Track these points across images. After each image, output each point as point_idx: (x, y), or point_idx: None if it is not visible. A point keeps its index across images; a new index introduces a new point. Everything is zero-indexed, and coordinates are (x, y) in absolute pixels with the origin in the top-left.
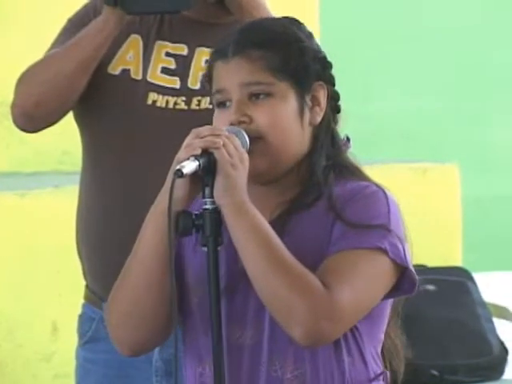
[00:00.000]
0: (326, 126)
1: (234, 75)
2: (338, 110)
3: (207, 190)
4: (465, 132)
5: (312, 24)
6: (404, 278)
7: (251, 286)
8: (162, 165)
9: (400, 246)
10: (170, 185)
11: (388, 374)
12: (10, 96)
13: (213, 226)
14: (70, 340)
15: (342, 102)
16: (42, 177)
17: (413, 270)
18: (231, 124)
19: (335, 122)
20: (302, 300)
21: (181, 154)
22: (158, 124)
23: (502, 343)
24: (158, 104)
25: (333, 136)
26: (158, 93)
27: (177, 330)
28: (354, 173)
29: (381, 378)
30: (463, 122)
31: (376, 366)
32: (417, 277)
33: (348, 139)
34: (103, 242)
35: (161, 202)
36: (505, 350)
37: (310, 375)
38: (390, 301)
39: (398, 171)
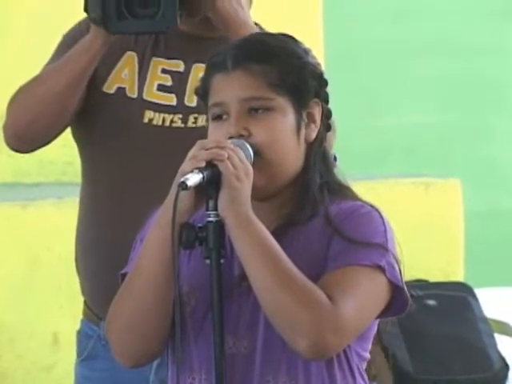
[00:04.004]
0: (319, 143)
1: (234, 88)
2: (329, 128)
3: (211, 203)
4: (468, 147)
5: (316, 39)
6: (396, 298)
7: (245, 295)
8: (158, 183)
9: (396, 266)
10: (174, 197)
11: None
12: None
13: (216, 239)
14: (70, 351)
15: (346, 118)
16: (44, 188)
17: (406, 290)
18: (230, 137)
19: (326, 139)
20: (308, 312)
21: (185, 165)
22: (154, 142)
23: (503, 359)
24: (155, 122)
25: (324, 153)
26: (155, 110)
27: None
28: (346, 192)
29: None
30: (466, 138)
31: (362, 381)
32: (409, 298)
33: (335, 157)
34: (98, 261)
35: (165, 213)
36: (506, 366)
37: None
38: (377, 321)
39: (401, 186)
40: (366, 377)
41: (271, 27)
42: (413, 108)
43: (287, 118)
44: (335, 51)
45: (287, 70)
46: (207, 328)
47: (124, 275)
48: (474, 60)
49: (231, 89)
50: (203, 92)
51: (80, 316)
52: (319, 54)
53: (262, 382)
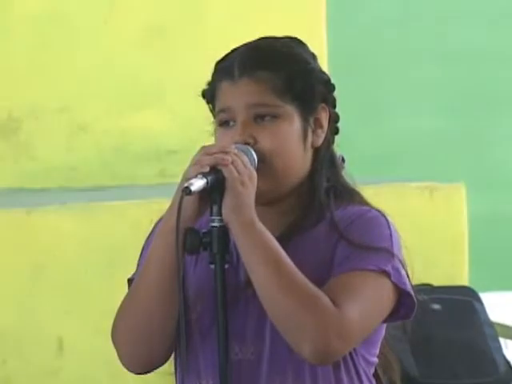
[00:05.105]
0: (326, 147)
1: (240, 96)
2: (336, 131)
3: (215, 208)
4: (471, 152)
5: (319, 43)
6: (402, 303)
7: (251, 301)
8: None
9: (402, 271)
10: (178, 202)
11: None
12: (17, 111)
13: (220, 244)
14: (75, 357)
15: (350, 123)
16: (48, 193)
17: (413, 295)
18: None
19: (333, 143)
20: (313, 317)
21: (189, 170)
22: None
23: (508, 363)
24: None
25: (331, 157)
26: None
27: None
28: (353, 196)
29: None
30: (470, 142)
31: None
32: (416, 302)
33: (343, 159)
34: None
35: (169, 219)
36: (511, 370)
37: None
38: (384, 325)
39: (405, 190)
40: (374, 382)
41: (274, 32)
42: (417, 113)
43: (293, 125)
44: (339, 56)
45: (294, 77)
46: (214, 334)
47: (131, 281)
48: (481, 65)
49: (238, 96)
50: (211, 96)
51: (85, 321)
52: (323, 58)
53: None
